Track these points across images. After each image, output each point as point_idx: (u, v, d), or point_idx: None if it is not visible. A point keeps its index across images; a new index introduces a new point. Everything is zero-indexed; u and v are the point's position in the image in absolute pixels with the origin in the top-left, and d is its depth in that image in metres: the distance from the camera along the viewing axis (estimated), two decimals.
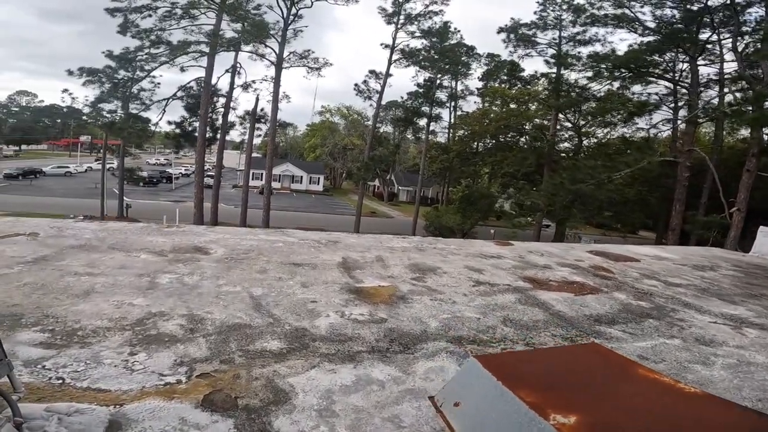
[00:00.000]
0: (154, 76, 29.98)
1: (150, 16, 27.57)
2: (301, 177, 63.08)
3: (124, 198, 31.68)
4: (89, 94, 39.27)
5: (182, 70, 29.48)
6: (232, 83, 32.13)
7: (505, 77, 43.01)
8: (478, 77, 44.43)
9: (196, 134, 31.45)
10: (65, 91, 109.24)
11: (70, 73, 27.92)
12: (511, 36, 37.63)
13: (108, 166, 34.04)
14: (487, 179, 44.58)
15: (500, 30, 37.86)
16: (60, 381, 2.12)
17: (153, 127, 32.98)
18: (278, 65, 30.77)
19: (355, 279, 4.62)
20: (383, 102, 38.25)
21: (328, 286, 4.23)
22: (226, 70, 31.72)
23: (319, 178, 64.60)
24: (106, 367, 2.29)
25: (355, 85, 36.75)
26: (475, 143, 43.22)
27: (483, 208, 34.13)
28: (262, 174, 46.19)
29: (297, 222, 36.54)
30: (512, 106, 39.34)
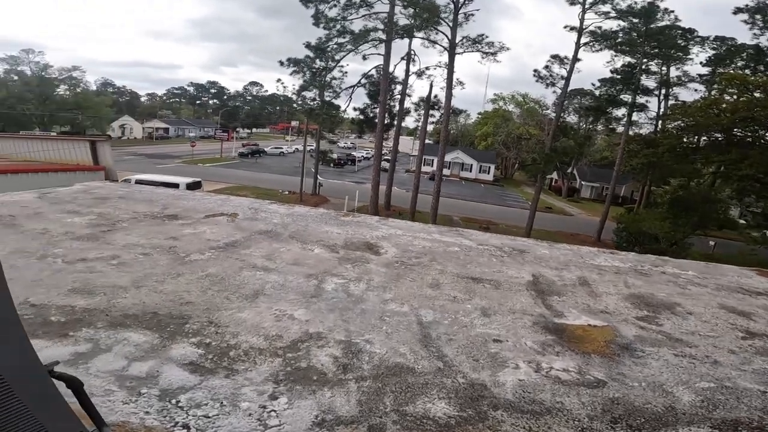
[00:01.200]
0: (342, 66, 32.96)
1: (335, 5, 30.03)
2: (471, 165, 61.68)
3: (318, 177, 36.33)
4: (295, 83, 46.04)
5: (364, 58, 31.56)
6: (407, 70, 32.64)
7: (744, 62, 32.55)
8: (701, 62, 34.68)
9: (376, 120, 32.99)
10: (278, 80, 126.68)
11: (281, 63, 32.06)
12: (757, 17, 28.59)
13: (309, 149, 39.52)
14: (709, 180, 34.49)
15: (738, 10, 29.11)
16: (184, 430, 1.72)
17: (342, 114, 36.10)
18: (451, 51, 29.92)
19: (552, 310, 3.41)
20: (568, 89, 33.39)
21: (515, 318, 3.17)
22: (402, 58, 32.70)
23: (489, 167, 61.99)
24: (239, 417, 1.84)
25: (535, 71, 32.74)
26: (696, 137, 33.84)
27: (702, 215, 26.36)
28: (433, 160, 46.83)
29: (465, 211, 35.79)
30: (757, 95, 29.08)
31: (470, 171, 61.81)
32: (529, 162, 46.20)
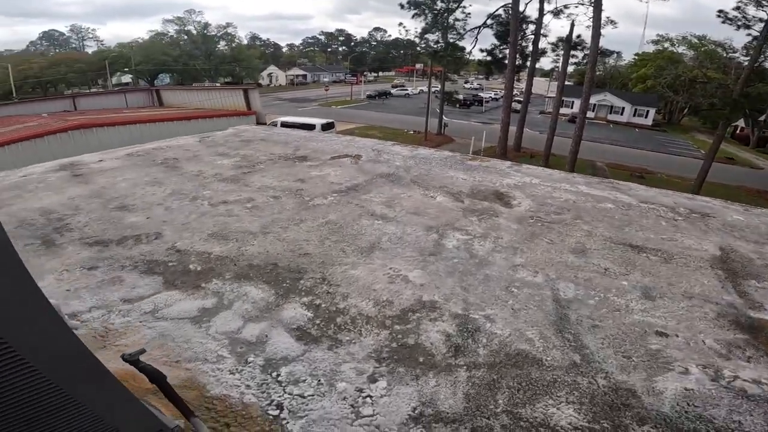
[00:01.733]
0: (464, 7, 31.00)
1: None
2: (622, 108, 52.44)
3: (443, 117, 35.48)
4: (417, 26, 44.95)
5: None
6: (541, 9, 30.07)
7: None
8: None
9: (506, 61, 31.10)
10: (400, 24, 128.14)
11: (402, 6, 32.04)
12: None
13: (434, 89, 38.70)
14: None
15: None
16: (277, 411, 1.63)
17: (467, 55, 34.81)
18: None
19: (747, 299, 2.56)
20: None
21: (691, 305, 2.43)
22: None
23: (647, 111, 51.78)
24: (333, 400, 1.69)
25: (720, 12, 25.37)
26: None
27: None
28: (573, 102, 41.33)
29: (612, 156, 30.98)
30: None
31: (621, 114, 53.03)
32: (705, 107, 37.46)
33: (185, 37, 61.92)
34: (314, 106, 47.26)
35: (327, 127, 18.88)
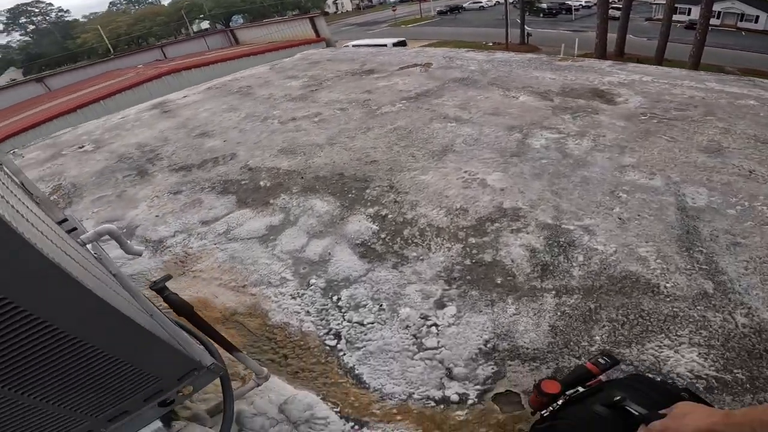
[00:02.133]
0: None
1: None
2: (756, 17, 41.13)
3: (525, 27, 31.43)
4: None
5: None
6: None
7: None
8: None
9: None
10: None
11: None
12: None
13: (512, 0, 34.15)
14: None
15: None
16: (334, 341, 1.54)
17: None
18: None
19: None
20: None
21: None
22: None
23: None
24: (394, 329, 1.54)
25: None
26: None
27: None
28: (688, 9, 33.35)
29: (745, 61, 25.12)
30: None
31: (755, 22, 41.74)
32: None
33: None
34: (383, 28, 44.90)
35: (398, 45, 17.92)
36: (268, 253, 2.05)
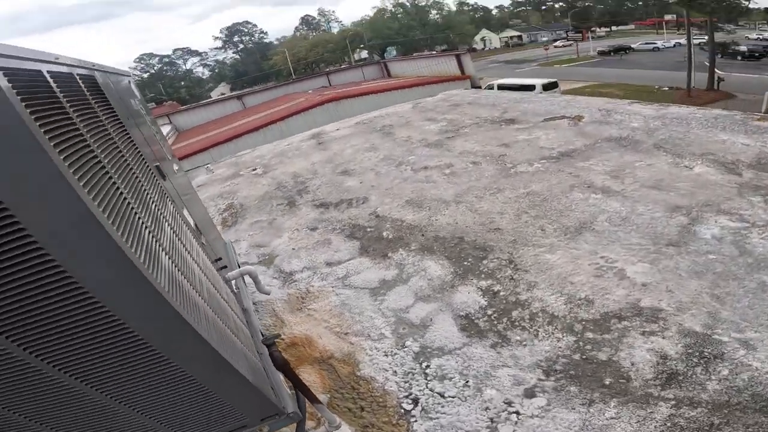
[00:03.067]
0: None
1: None
2: None
3: (716, 70, 26.67)
4: None
5: None
6: None
7: None
8: None
9: None
10: None
11: None
12: None
13: (697, 41, 29.55)
14: None
15: None
16: (411, 405, 1.51)
17: (746, 2, 25.18)
18: None
19: None
20: None
21: None
22: None
23: None
24: (472, 407, 1.45)
25: None
26: None
27: None
28: None
29: None
30: None
31: None
32: None
33: (401, 10, 65.67)
34: (533, 67, 43.25)
35: (549, 87, 16.98)
36: (375, 307, 2.14)
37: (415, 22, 64.60)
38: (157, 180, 1.32)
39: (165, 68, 64.07)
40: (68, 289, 0.64)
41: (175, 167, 1.96)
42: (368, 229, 2.93)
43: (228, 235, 3.28)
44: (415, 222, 2.90)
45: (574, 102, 5.51)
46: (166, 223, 1.11)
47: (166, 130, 16.80)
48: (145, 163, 1.26)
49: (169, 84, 61.36)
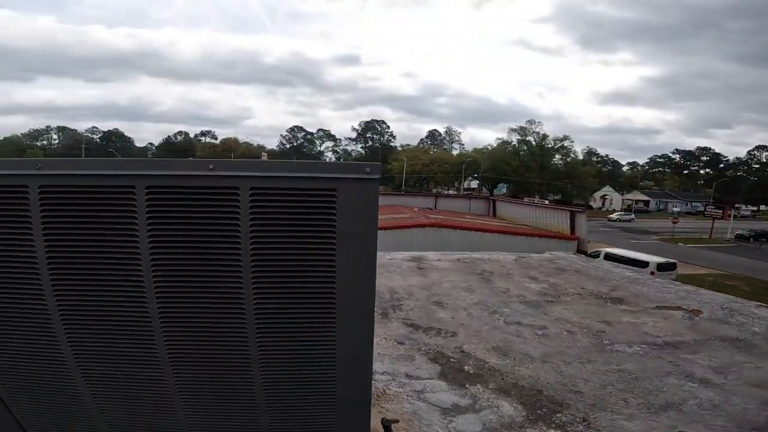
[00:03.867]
0: None
1: None
2: None
3: None
4: None
5: None
6: None
7: None
8: None
9: None
10: None
11: None
12: None
13: None
14: None
15: None
16: None
17: None
18: None
19: None
20: None
21: None
22: None
23: None
24: None
25: None
26: None
27: None
28: None
29: None
30: None
31: None
32: None
33: (525, 147, 64.42)
34: (653, 240, 39.60)
35: (665, 267, 15.67)
36: (444, 424, 2.24)
37: (534, 164, 62.55)
38: None
39: (305, 144, 73.25)
40: None
41: None
42: (451, 360, 3.08)
43: None
44: (497, 366, 2.99)
45: (694, 294, 5.18)
46: None
47: None
48: None
49: (301, 159, 68.66)
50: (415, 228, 14.76)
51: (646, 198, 72.09)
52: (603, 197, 71.15)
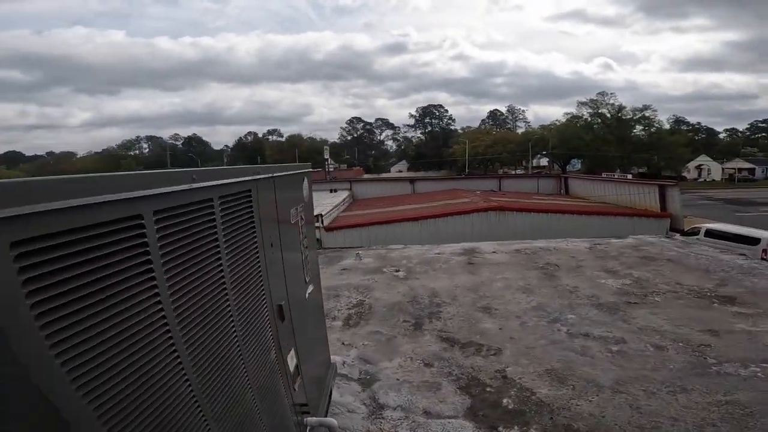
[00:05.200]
0: None
1: None
2: None
3: None
4: None
5: None
6: None
7: None
8: None
9: None
10: None
11: None
12: None
13: None
14: None
15: None
16: None
17: None
18: None
19: None
20: None
21: None
22: None
23: None
24: None
25: None
26: None
27: None
28: None
29: None
30: None
31: None
32: None
33: (599, 120, 59.82)
34: (762, 212, 34.09)
35: None
36: None
37: (612, 137, 57.80)
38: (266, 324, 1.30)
39: (365, 135, 74.70)
40: None
41: (309, 289, 1.94)
42: (487, 389, 2.43)
43: (345, 336, 3.17)
44: (547, 399, 2.28)
45: None
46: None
47: (343, 195, 19.24)
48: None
49: (362, 150, 70.97)
50: (473, 214, 13.67)
51: (750, 166, 62.99)
52: (699, 167, 63.72)
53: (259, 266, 1.28)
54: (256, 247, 1.27)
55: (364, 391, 2.43)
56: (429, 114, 79.68)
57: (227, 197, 1.11)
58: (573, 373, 2.55)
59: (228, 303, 1.06)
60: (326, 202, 15.39)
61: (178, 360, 0.83)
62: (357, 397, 2.37)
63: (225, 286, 1.05)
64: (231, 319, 1.07)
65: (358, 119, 78.32)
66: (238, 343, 1.09)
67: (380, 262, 5.53)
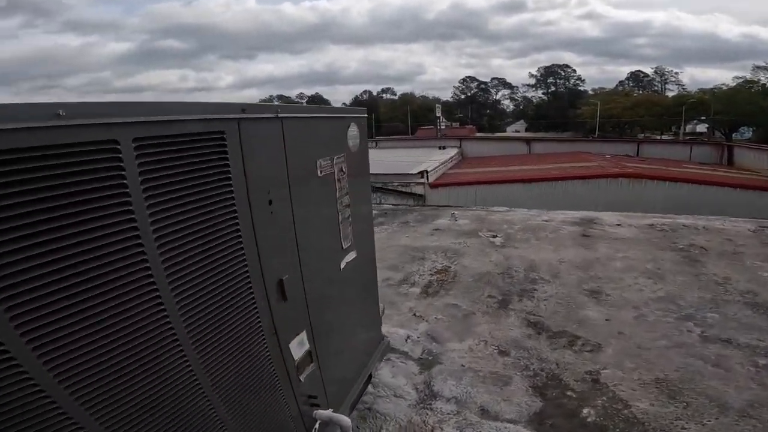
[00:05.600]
0: None
1: None
2: None
3: None
4: None
5: None
6: None
7: None
8: None
9: None
10: None
11: None
12: None
13: None
14: None
15: None
16: None
17: None
18: None
19: None
20: None
21: None
22: None
23: None
24: None
25: None
26: None
27: None
28: None
29: None
30: None
31: None
32: None
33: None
34: None
35: None
36: None
37: None
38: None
39: (479, 94, 71.38)
40: None
41: (349, 257, 1.63)
42: (568, 393, 2.01)
43: (420, 306, 2.98)
44: (644, 417, 1.79)
45: None
46: None
47: (452, 153, 18.60)
48: None
49: (476, 109, 67.87)
50: (600, 179, 11.88)
51: None
52: None
53: (237, 231, 1.02)
54: (232, 207, 1.00)
55: (420, 374, 2.21)
56: (553, 74, 72.36)
57: (156, 141, 0.81)
58: (693, 387, 1.97)
59: (154, 282, 0.81)
60: (434, 159, 15.07)
61: None
62: (410, 380, 2.16)
63: (146, 259, 0.80)
64: (160, 303, 0.83)
65: (473, 78, 74.85)
66: (176, 333, 0.86)
67: (477, 224, 5.13)
